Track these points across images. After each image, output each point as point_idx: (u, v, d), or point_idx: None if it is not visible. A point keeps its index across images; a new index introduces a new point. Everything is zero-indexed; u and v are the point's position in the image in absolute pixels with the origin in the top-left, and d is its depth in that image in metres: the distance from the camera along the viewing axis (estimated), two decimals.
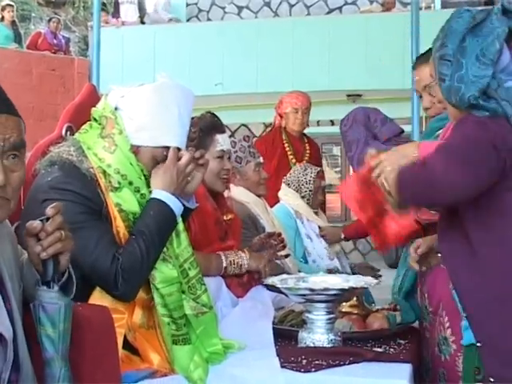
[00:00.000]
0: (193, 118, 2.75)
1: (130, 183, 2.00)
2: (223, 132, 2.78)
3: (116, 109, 2.06)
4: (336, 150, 12.60)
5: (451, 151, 1.80)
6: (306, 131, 4.74)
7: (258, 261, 2.66)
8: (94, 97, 2.52)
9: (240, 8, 13.06)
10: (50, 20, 12.78)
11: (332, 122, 11.19)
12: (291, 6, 12.85)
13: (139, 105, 2.04)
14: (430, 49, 2.01)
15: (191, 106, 2.13)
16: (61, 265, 1.49)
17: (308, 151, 4.59)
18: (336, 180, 12.47)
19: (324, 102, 10.42)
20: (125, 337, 1.91)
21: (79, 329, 1.52)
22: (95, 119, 2.08)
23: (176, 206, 2.03)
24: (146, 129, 2.03)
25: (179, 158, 2.05)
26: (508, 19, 1.83)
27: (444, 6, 11.76)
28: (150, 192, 2.03)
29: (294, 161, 4.46)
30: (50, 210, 1.46)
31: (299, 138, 4.63)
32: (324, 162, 12.63)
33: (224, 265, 2.58)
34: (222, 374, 2.01)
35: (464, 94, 1.82)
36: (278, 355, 2.10)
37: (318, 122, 11.49)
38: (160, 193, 2.01)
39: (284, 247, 2.92)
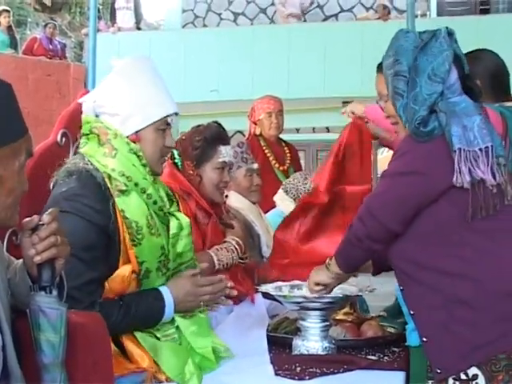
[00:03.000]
0: (198, 126, 2.76)
1: (136, 184, 2.01)
2: (227, 144, 2.78)
3: (97, 116, 2.07)
4: None
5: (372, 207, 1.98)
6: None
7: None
8: None
9: (236, 15, 13.08)
10: (46, 25, 12.78)
11: (327, 129, 11.19)
12: None
13: (111, 98, 2.05)
14: None
15: (157, 71, 2.13)
16: (56, 270, 1.49)
17: (288, 155, 4.56)
18: None
19: (320, 108, 10.43)
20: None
21: (73, 336, 1.51)
22: (87, 134, 2.08)
23: (169, 314, 2.05)
24: (132, 114, 2.03)
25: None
26: (452, 41, 1.98)
27: (440, 13, 11.81)
28: (157, 190, 2.05)
29: (276, 165, 4.42)
30: (45, 217, 1.47)
31: (277, 142, 4.57)
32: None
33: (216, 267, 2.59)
34: (215, 382, 2.01)
35: (415, 115, 1.92)
36: (271, 363, 2.10)
37: (313, 128, 11.50)
38: (169, 295, 2.05)
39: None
